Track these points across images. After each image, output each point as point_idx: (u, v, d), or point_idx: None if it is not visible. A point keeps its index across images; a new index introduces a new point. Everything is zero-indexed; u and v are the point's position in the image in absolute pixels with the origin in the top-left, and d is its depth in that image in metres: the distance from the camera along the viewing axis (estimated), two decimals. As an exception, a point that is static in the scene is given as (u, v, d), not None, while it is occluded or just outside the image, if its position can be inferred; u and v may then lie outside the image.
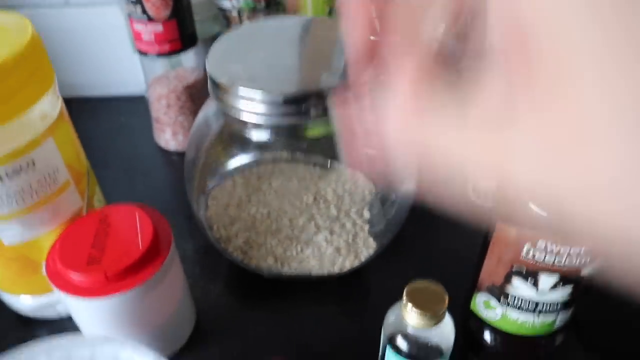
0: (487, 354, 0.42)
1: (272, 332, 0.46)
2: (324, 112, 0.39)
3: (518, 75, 0.15)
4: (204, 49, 0.61)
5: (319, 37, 0.45)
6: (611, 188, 0.14)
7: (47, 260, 0.38)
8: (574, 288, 0.35)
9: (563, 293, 0.35)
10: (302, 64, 0.42)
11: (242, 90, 0.38)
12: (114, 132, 0.71)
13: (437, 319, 0.34)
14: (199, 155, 0.46)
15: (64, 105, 0.41)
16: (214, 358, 0.44)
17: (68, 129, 0.41)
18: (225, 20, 0.65)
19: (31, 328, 0.46)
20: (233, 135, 0.45)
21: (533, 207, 0.31)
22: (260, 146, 0.45)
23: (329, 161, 0.52)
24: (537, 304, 0.36)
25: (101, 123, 0.72)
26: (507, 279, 0.36)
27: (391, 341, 0.37)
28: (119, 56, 0.73)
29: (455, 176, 0.19)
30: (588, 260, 0.33)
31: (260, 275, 0.48)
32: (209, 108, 0.46)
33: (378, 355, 0.40)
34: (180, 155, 0.66)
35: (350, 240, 0.48)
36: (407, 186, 0.49)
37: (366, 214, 0.49)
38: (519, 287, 0.36)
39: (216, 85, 0.40)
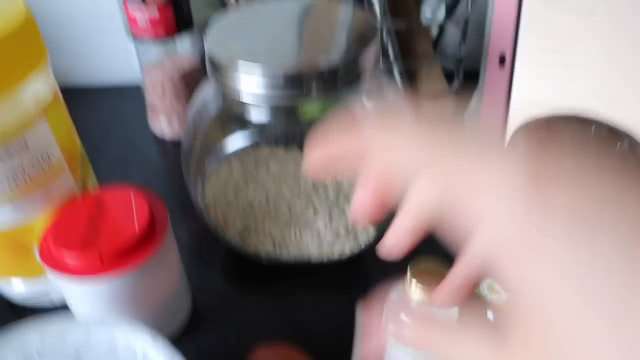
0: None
1: (270, 317, 0.45)
2: (323, 92, 0.38)
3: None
4: (199, 37, 0.60)
5: (319, 19, 0.44)
6: None
7: (40, 243, 0.37)
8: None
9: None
10: (302, 45, 0.41)
11: (242, 66, 0.37)
12: (108, 121, 0.70)
13: (441, 298, 0.33)
14: (197, 138, 0.45)
15: (58, 88, 0.40)
16: (210, 344, 0.44)
17: (62, 112, 0.40)
18: (221, 4, 0.64)
19: (24, 317, 0.45)
20: (231, 117, 0.44)
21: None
22: (259, 128, 0.44)
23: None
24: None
25: (95, 112, 0.71)
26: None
27: (395, 319, 0.36)
28: (113, 43, 0.72)
29: None
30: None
31: (258, 261, 0.48)
32: (207, 91, 0.45)
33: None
34: (176, 143, 0.65)
35: (349, 226, 0.47)
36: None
37: (365, 199, 0.48)
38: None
39: (215, 64, 0.39)
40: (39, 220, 0.40)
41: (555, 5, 0.55)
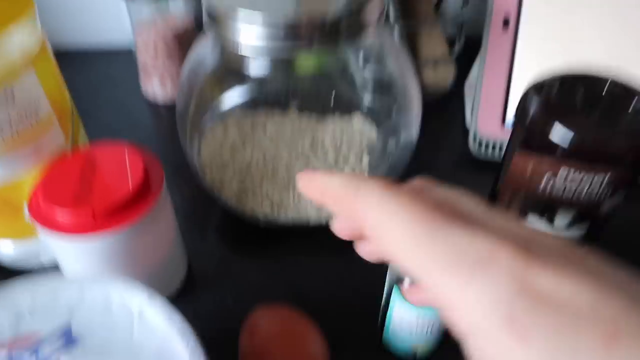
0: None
1: (267, 280, 0.44)
2: (324, 44, 0.37)
3: None
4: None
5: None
6: None
7: (29, 199, 0.36)
8: (590, 226, 0.34)
9: (579, 231, 0.34)
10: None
11: (242, 15, 0.35)
12: (98, 84, 0.68)
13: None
14: (192, 96, 0.44)
15: (46, 40, 0.38)
16: (206, 306, 0.42)
17: (50, 63, 0.38)
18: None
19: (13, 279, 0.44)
20: (229, 72, 0.42)
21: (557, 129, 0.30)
22: (257, 82, 0.43)
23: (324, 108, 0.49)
24: (550, 242, 0.35)
25: (85, 75, 0.69)
26: (522, 215, 0.34)
27: (398, 284, 0.35)
28: (104, 2, 0.69)
29: None
30: (610, 190, 0.31)
31: (255, 223, 0.46)
32: (203, 46, 0.43)
33: (377, 303, 0.38)
34: (169, 106, 0.63)
35: (349, 188, 0.46)
36: (409, 132, 0.47)
37: (365, 160, 0.47)
38: (534, 223, 0.34)
39: (213, 14, 0.37)
40: (28, 177, 0.38)
41: (564, -38, 0.53)
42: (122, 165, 0.37)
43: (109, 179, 0.36)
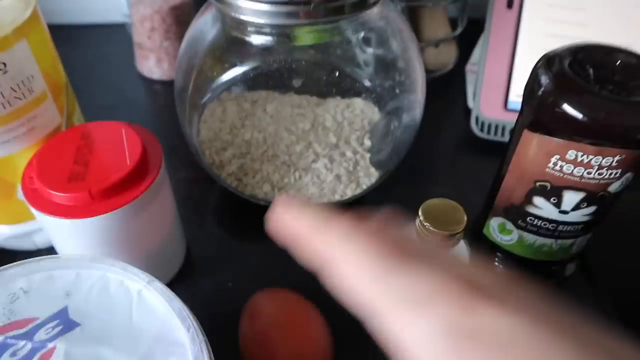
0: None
1: (267, 264, 0.44)
2: (327, 15, 0.35)
3: None
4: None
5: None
6: None
7: (23, 179, 0.34)
8: (597, 208, 0.33)
9: (586, 213, 0.33)
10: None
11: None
12: (94, 61, 0.66)
13: (454, 240, 0.32)
14: (192, 72, 0.42)
15: (38, 8, 0.37)
16: (206, 289, 0.42)
17: (43, 33, 0.37)
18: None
19: (5, 262, 0.43)
20: (230, 42, 0.41)
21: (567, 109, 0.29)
22: (258, 58, 0.41)
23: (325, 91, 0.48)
24: (557, 226, 0.34)
25: (78, 51, 0.67)
26: (528, 199, 0.34)
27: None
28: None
29: None
30: (618, 173, 0.30)
31: (254, 204, 0.45)
32: (202, 21, 0.42)
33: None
34: (165, 83, 0.62)
35: (351, 168, 0.45)
36: (412, 113, 0.46)
37: (367, 142, 0.46)
38: (540, 207, 0.34)
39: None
40: (22, 154, 0.37)
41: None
42: (120, 143, 0.36)
43: (106, 157, 0.35)
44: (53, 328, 0.28)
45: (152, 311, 0.29)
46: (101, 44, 0.68)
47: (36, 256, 0.43)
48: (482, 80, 0.55)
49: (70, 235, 0.35)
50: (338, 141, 0.46)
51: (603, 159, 0.29)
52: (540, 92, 0.31)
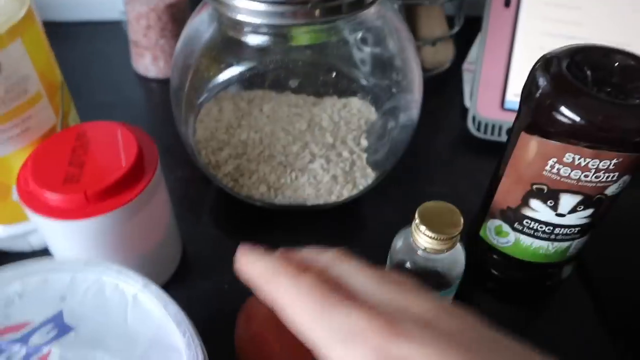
0: (492, 281, 0.40)
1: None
2: (324, 16, 0.35)
3: None
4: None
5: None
6: None
7: (18, 180, 0.34)
8: (594, 211, 0.33)
9: (582, 216, 0.33)
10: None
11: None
12: (89, 58, 0.65)
13: (451, 244, 0.32)
14: (187, 72, 0.42)
15: (33, 7, 0.36)
16: (202, 291, 0.42)
17: (38, 33, 0.36)
18: None
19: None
20: (226, 42, 0.40)
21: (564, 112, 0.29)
22: (254, 57, 0.41)
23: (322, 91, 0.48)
24: (553, 229, 0.34)
25: (73, 49, 0.66)
26: (525, 201, 0.34)
27: (398, 268, 0.34)
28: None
29: None
30: (616, 176, 0.30)
31: (250, 205, 0.45)
32: (198, 20, 0.41)
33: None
34: (161, 82, 0.61)
35: (347, 169, 0.45)
36: (410, 113, 0.46)
37: (363, 142, 0.46)
38: (537, 210, 0.33)
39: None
40: (17, 154, 0.36)
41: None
42: (115, 143, 0.35)
43: (101, 158, 0.35)
44: (48, 332, 0.28)
45: (148, 315, 0.29)
46: (97, 41, 0.68)
47: (31, 257, 0.43)
48: (479, 80, 0.55)
49: (65, 237, 0.35)
50: (335, 141, 0.46)
51: (600, 162, 0.29)
52: (537, 95, 0.31)
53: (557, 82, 0.30)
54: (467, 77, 0.62)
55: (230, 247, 0.45)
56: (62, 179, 0.33)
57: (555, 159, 0.30)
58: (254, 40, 0.38)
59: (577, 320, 0.40)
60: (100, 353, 0.27)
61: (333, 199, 0.44)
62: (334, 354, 0.21)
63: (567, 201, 0.32)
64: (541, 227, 0.34)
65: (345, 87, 0.47)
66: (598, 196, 0.32)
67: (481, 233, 0.38)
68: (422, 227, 0.31)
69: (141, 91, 0.62)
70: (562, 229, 0.34)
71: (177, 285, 0.42)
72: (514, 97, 0.54)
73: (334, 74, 0.45)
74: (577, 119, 0.29)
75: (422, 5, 0.61)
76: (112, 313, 0.29)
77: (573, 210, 0.33)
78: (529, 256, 0.36)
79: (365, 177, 0.45)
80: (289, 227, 0.46)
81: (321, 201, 0.44)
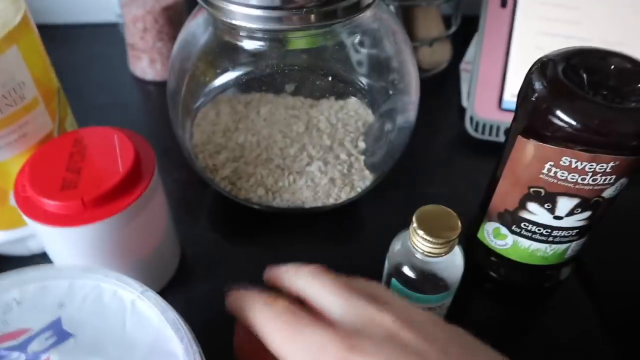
0: (490, 283, 0.40)
1: (262, 268, 0.43)
2: (320, 20, 0.35)
3: None
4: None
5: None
6: None
7: (15, 186, 0.34)
8: (592, 214, 0.33)
9: (580, 219, 0.33)
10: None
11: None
12: (86, 61, 0.65)
13: (448, 247, 0.32)
14: (184, 75, 0.42)
15: (29, 14, 0.36)
16: (200, 295, 0.42)
17: (34, 39, 0.36)
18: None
19: None
20: (222, 47, 0.40)
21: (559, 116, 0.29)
22: (250, 61, 0.41)
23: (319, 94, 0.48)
24: (551, 231, 0.34)
25: (72, 52, 0.66)
26: (522, 204, 0.34)
27: (397, 271, 0.34)
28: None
29: None
30: (613, 178, 0.30)
31: (248, 208, 0.45)
32: (194, 23, 0.41)
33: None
34: (158, 84, 0.61)
35: (345, 171, 0.45)
36: (407, 114, 0.46)
37: (361, 145, 0.46)
38: (535, 212, 0.34)
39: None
40: (14, 160, 0.36)
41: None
42: (112, 149, 0.35)
43: (98, 164, 0.34)
44: (47, 339, 0.28)
45: (146, 321, 0.29)
46: (94, 44, 0.68)
47: (30, 261, 0.43)
48: (476, 80, 0.55)
49: (63, 243, 0.35)
50: (332, 143, 0.46)
51: (597, 165, 0.29)
52: (533, 98, 0.31)
53: (553, 86, 0.30)
54: (464, 77, 0.62)
55: (228, 251, 0.45)
56: (60, 185, 0.33)
57: (552, 163, 0.30)
58: (249, 45, 0.38)
59: (576, 322, 0.40)
60: (99, 360, 0.27)
61: (331, 201, 0.44)
62: None
63: (565, 204, 0.32)
64: (539, 230, 0.34)
65: (342, 90, 0.47)
66: (595, 199, 0.32)
67: (479, 235, 0.39)
68: (420, 232, 0.31)
69: (138, 94, 0.62)
70: (560, 232, 0.34)
71: (175, 289, 0.42)
72: (511, 97, 0.54)
73: (330, 78, 0.45)
74: (573, 123, 0.29)
75: (418, 6, 0.61)
76: (111, 319, 0.29)
77: (570, 213, 0.33)
78: (527, 258, 0.37)
79: (363, 180, 0.45)
80: (286, 230, 0.46)
81: (319, 204, 0.44)
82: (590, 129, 0.28)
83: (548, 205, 0.33)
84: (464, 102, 0.59)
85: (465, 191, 0.49)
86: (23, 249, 0.43)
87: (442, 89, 0.64)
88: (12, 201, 0.38)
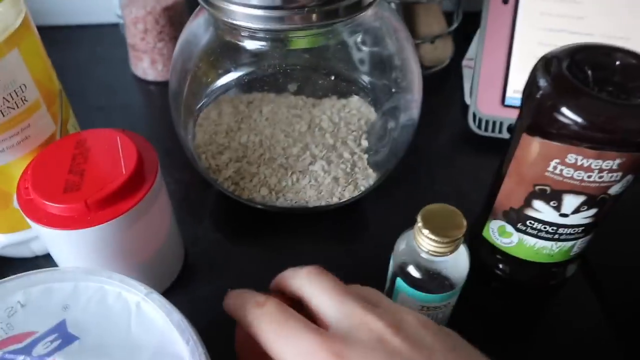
0: (495, 281, 0.40)
1: (266, 268, 0.43)
2: (321, 19, 0.35)
3: None
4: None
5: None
6: None
7: (18, 189, 0.34)
8: (598, 211, 0.33)
9: (586, 216, 0.33)
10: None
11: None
12: (87, 62, 0.65)
13: (454, 246, 0.31)
14: (186, 76, 0.42)
15: (29, 16, 0.36)
16: (204, 296, 0.41)
17: (35, 42, 0.36)
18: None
19: (2, 269, 0.43)
20: (224, 47, 0.40)
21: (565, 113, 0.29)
22: (252, 61, 0.41)
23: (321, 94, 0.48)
24: (557, 229, 0.34)
25: (74, 53, 0.66)
26: (528, 202, 0.34)
27: (402, 271, 0.34)
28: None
29: None
30: (619, 175, 0.30)
31: (252, 208, 0.45)
32: (195, 24, 0.41)
33: (381, 289, 0.37)
34: (159, 85, 0.61)
35: (348, 170, 0.45)
36: (410, 112, 0.45)
37: (364, 143, 0.46)
38: (540, 210, 0.33)
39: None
40: (16, 163, 0.36)
41: None
42: (115, 151, 0.35)
43: (101, 166, 0.34)
44: (52, 342, 0.28)
45: (151, 324, 0.28)
46: (94, 46, 0.68)
47: (34, 263, 0.43)
48: (478, 76, 0.55)
49: (66, 245, 0.34)
50: (335, 142, 0.45)
51: (603, 162, 0.29)
52: (538, 96, 0.30)
53: (558, 82, 0.30)
54: (467, 74, 0.62)
55: (232, 251, 0.45)
56: (62, 188, 0.33)
57: (557, 160, 0.30)
58: (251, 45, 0.38)
59: (582, 319, 0.40)
60: (105, 363, 0.27)
61: (335, 200, 0.44)
62: None
63: (571, 202, 0.32)
64: (545, 228, 0.34)
65: (344, 89, 0.47)
66: (602, 196, 0.31)
67: (484, 233, 0.38)
68: (425, 231, 0.31)
69: (140, 95, 0.62)
70: (566, 229, 0.34)
71: (179, 290, 0.42)
72: (514, 93, 0.54)
73: (332, 77, 0.44)
74: (579, 120, 0.28)
75: (420, 3, 0.60)
76: (116, 322, 0.29)
77: (576, 210, 0.33)
78: (532, 256, 0.36)
79: (367, 178, 0.45)
80: (290, 229, 0.46)
81: (323, 203, 0.44)
82: (596, 126, 0.28)
83: (554, 203, 0.32)
84: (467, 99, 0.59)
85: (470, 188, 0.49)
86: (26, 251, 0.43)
87: (444, 86, 0.63)
88: (15, 204, 0.38)
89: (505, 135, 0.53)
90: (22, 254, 0.43)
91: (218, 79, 0.42)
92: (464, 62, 0.63)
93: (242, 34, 0.37)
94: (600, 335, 0.39)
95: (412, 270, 0.33)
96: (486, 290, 0.41)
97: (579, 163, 0.30)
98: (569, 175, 0.30)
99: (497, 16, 0.55)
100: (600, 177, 0.30)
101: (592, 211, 0.33)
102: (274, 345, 0.27)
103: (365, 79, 0.47)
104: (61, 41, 0.67)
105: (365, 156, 0.45)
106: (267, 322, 0.27)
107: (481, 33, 0.55)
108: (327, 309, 0.27)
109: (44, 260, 0.43)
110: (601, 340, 0.39)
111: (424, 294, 0.33)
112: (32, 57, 0.35)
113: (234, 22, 0.35)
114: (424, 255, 0.32)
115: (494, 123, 0.54)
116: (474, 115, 0.54)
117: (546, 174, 0.31)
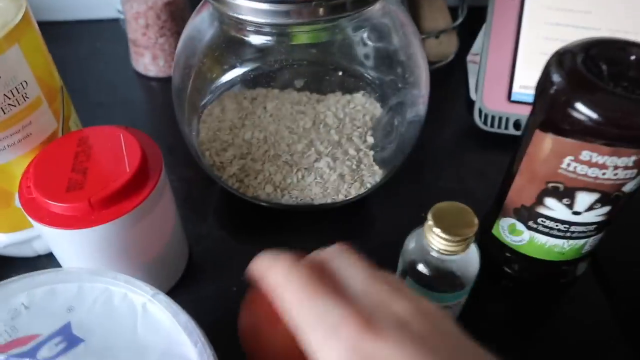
0: (505, 279, 0.40)
1: (271, 266, 0.43)
2: (327, 14, 0.34)
3: None
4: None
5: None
6: None
7: (20, 188, 0.34)
8: (611, 208, 0.32)
9: (599, 214, 0.32)
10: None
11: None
12: (88, 58, 0.64)
13: (465, 245, 0.31)
14: (189, 72, 0.41)
15: (30, 11, 0.35)
16: (209, 296, 0.41)
17: (36, 37, 0.36)
18: None
19: (4, 269, 0.42)
20: (229, 42, 0.39)
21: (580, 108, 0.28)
22: (256, 57, 0.40)
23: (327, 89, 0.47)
24: (569, 227, 0.33)
25: (74, 49, 0.65)
26: (540, 200, 0.33)
27: (411, 269, 0.33)
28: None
29: None
30: (634, 173, 0.30)
31: (257, 206, 0.45)
32: (199, 19, 0.41)
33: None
34: (161, 81, 0.60)
35: (354, 167, 0.44)
36: (416, 108, 0.45)
37: (370, 140, 0.45)
38: (552, 208, 0.33)
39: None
40: (18, 161, 0.36)
41: None
42: (118, 148, 0.35)
43: (104, 164, 0.34)
44: (57, 345, 0.27)
45: (158, 325, 0.28)
46: (95, 41, 0.67)
47: (36, 263, 0.42)
48: (484, 72, 0.54)
49: (70, 245, 0.34)
50: (340, 139, 0.45)
51: (619, 159, 0.29)
52: (552, 91, 0.30)
53: (572, 77, 0.29)
54: (472, 69, 0.61)
55: (236, 248, 0.45)
56: (65, 187, 0.32)
57: (571, 157, 0.30)
58: (256, 39, 0.37)
59: (593, 317, 0.39)
60: (111, 366, 0.26)
61: (341, 197, 0.43)
62: (313, 340, 0.23)
63: (584, 199, 0.31)
64: (556, 226, 0.34)
65: (351, 85, 0.46)
66: (616, 194, 0.31)
67: (494, 231, 0.38)
68: (437, 230, 0.30)
69: (141, 91, 0.61)
70: (578, 227, 0.33)
71: (184, 289, 0.41)
72: (520, 89, 0.53)
73: (339, 73, 0.44)
74: (594, 115, 0.28)
75: (425, -3, 0.60)
76: (122, 323, 0.28)
77: (590, 208, 0.32)
78: (543, 254, 0.36)
79: (373, 175, 0.44)
80: (295, 227, 0.46)
81: (328, 200, 0.43)
82: (612, 122, 0.28)
83: (567, 201, 0.32)
84: (472, 95, 0.58)
85: (476, 185, 0.48)
86: (29, 251, 0.42)
87: (449, 81, 0.63)
88: (17, 203, 0.37)
89: (512, 131, 0.53)
90: (25, 254, 0.42)
91: (223, 75, 0.41)
92: (469, 57, 0.63)
93: (248, 29, 0.36)
94: (610, 334, 0.39)
95: (422, 269, 0.33)
96: (496, 289, 0.41)
97: (593, 160, 0.29)
98: (583, 173, 0.30)
99: (503, 11, 0.54)
100: (615, 175, 0.30)
101: (606, 209, 0.32)
102: (300, 309, 0.25)
103: (372, 74, 0.46)
104: (62, 37, 0.66)
105: (371, 153, 0.45)
106: (296, 284, 0.25)
107: (487, 28, 0.55)
108: (356, 283, 0.26)
109: (47, 260, 0.42)
110: (611, 338, 0.38)
111: (433, 293, 0.33)
112: (33, 53, 0.35)
113: (240, 16, 0.34)
114: (434, 253, 0.32)
115: (500, 119, 0.53)
116: (480, 111, 0.54)
117: (559, 171, 0.31)
